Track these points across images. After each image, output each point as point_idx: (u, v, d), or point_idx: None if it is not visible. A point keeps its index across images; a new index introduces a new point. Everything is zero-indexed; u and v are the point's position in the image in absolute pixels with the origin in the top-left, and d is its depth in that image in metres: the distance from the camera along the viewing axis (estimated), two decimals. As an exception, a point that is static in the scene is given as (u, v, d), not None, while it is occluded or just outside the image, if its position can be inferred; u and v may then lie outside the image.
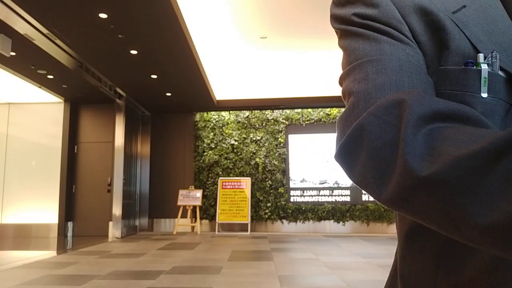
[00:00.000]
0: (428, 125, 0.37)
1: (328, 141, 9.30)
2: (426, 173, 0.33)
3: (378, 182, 0.39)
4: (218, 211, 9.01)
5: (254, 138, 9.49)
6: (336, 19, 0.55)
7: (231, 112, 9.64)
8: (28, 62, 6.21)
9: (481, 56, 0.45)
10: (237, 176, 9.36)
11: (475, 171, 0.30)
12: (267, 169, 9.36)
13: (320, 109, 9.51)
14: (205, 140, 9.54)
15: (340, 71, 0.53)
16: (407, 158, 0.35)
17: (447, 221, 0.32)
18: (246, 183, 9.16)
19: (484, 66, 0.44)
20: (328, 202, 9.20)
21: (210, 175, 9.45)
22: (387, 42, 0.48)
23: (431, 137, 0.36)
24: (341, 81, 0.51)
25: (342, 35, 0.53)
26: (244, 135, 9.53)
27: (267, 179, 9.33)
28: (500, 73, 0.45)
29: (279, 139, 9.45)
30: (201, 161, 9.48)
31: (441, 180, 0.32)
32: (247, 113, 9.61)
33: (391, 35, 0.48)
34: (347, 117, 0.46)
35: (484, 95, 0.44)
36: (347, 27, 0.52)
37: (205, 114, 9.68)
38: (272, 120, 9.55)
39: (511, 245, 0.28)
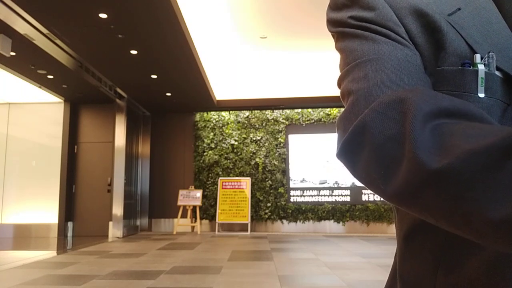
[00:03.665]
0: (434, 121, 0.37)
1: (328, 141, 9.31)
2: (436, 167, 0.33)
3: (383, 178, 0.38)
4: (218, 211, 9.01)
5: (254, 138, 9.49)
6: (332, 23, 0.55)
7: (231, 112, 9.64)
8: (28, 62, 6.21)
9: (477, 56, 0.45)
10: (237, 176, 9.36)
11: (487, 166, 0.30)
12: (267, 169, 9.36)
13: (320, 109, 9.51)
14: (205, 140, 9.54)
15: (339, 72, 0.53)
16: (417, 152, 0.34)
17: (458, 216, 0.32)
18: (246, 183, 9.16)
19: (481, 67, 0.45)
20: (328, 202, 9.20)
21: (210, 175, 9.45)
22: (385, 42, 0.49)
23: (439, 132, 0.36)
24: (339, 83, 0.51)
25: (339, 37, 0.53)
26: (244, 135, 9.53)
27: (267, 179, 9.33)
28: (497, 73, 0.45)
29: (279, 139, 9.45)
30: (201, 161, 9.48)
31: (453, 174, 0.31)
32: (247, 113, 9.61)
33: (388, 37, 0.49)
34: (347, 116, 0.46)
35: (481, 95, 0.45)
36: (344, 29, 0.52)
37: (205, 114, 9.69)
38: (272, 120, 9.55)
39: None
